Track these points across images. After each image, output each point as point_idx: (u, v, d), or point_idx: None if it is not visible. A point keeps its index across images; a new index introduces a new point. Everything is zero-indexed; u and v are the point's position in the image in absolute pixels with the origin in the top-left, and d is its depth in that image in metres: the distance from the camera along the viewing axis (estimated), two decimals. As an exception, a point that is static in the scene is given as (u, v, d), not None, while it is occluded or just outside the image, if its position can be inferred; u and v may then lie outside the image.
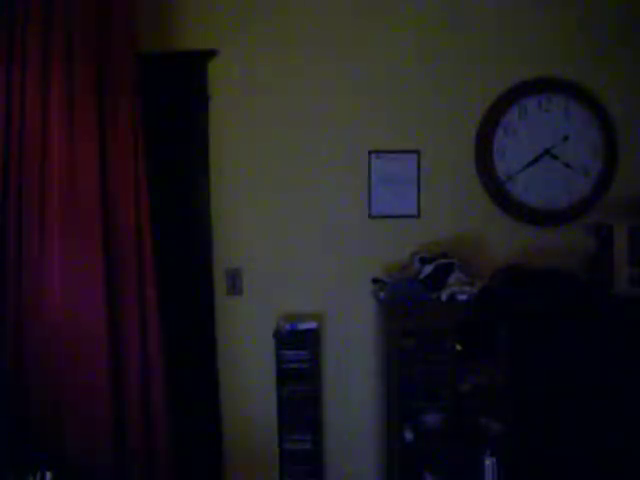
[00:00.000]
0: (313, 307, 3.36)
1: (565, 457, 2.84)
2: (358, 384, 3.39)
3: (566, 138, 3.33)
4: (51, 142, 2.63)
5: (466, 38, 3.31)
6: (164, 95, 3.22)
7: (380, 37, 3.31)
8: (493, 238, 3.35)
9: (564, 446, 2.85)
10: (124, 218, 2.72)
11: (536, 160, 3.34)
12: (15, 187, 2.63)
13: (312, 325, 3.19)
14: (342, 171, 3.35)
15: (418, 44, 3.32)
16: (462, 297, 2.97)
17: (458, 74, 3.32)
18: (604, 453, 2.82)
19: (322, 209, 3.35)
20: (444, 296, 2.98)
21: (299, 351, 3.15)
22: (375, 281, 3.22)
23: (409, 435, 3.04)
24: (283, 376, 3.15)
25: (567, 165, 3.34)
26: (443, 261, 3.08)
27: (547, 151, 3.33)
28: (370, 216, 3.36)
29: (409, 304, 2.98)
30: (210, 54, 3.27)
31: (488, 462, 2.86)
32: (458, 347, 2.99)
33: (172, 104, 3.26)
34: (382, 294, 3.08)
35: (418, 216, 3.36)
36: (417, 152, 3.34)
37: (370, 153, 3.34)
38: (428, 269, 3.07)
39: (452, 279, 3.03)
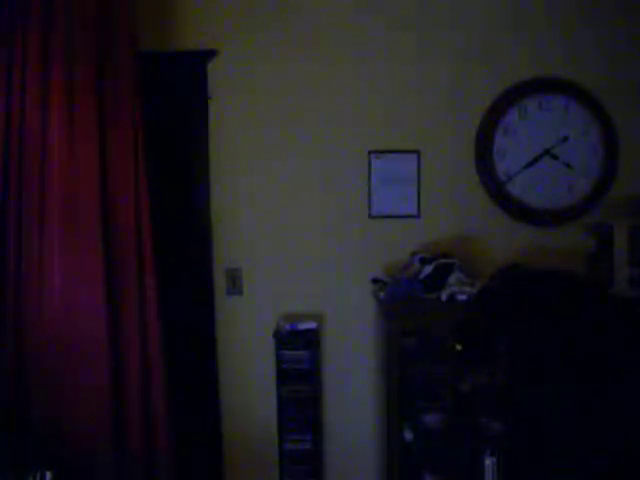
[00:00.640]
0: (313, 307, 3.37)
1: (565, 457, 2.84)
2: (358, 384, 3.39)
3: (566, 138, 3.33)
4: (51, 142, 2.62)
5: (466, 38, 3.31)
6: (164, 95, 3.23)
7: (380, 37, 3.31)
8: (493, 238, 3.35)
9: (564, 446, 2.85)
10: (124, 218, 2.72)
11: (536, 160, 3.34)
12: (15, 187, 2.63)
13: (312, 325, 3.19)
14: (342, 171, 3.35)
15: (418, 44, 3.32)
16: (462, 297, 2.97)
17: (458, 74, 3.32)
18: (604, 453, 2.82)
19: (322, 209, 3.36)
20: (444, 296, 2.98)
21: (299, 351, 3.15)
22: (375, 281, 3.22)
23: (409, 435, 3.04)
24: (283, 376, 3.15)
25: (567, 165, 3.34)
26: (443, 261, 3.07)
27: (547, 151, 3.34)
28: (370, 216, 3.36)
29: (409, 304, 2.98)
30: (210, 54, 3.27)
31: (488, 462, 2.86)
32: (458, 347, 2.99)
33: (172, 104, 3.26)
34: (382, 294, 3.08)
35: (418, 216, 3.36)
36: (417, 152, 3.34)
37: (370, 153, 3.34)
38: (428, 269, 3.07)
39: (452, 279, 3.03)
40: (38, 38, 2.61)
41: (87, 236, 2.64)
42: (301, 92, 3.32)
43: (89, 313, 2.63)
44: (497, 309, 2.95)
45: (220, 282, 3.36)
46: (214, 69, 3.30)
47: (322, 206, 3.36)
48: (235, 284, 3.37)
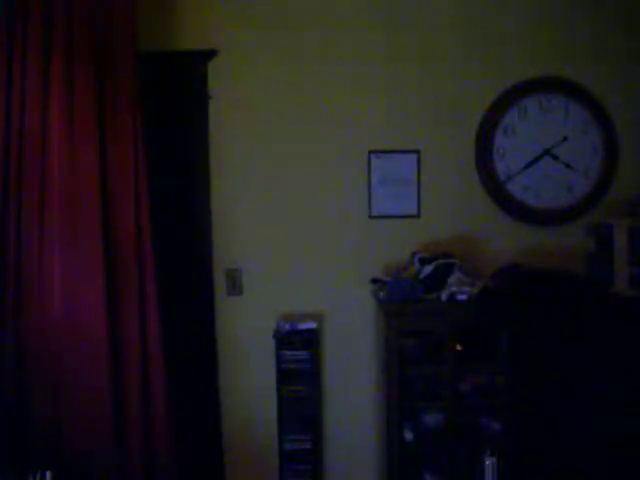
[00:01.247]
0: (313, 307, 3.36)
1: (565, 457, 2.84)
2: (358, 384, 3.39)
3: (566, 138, 3.33)
4: (51, 142, 2.62)
5: (466, 38, 3.31)
6: (164, 95, 3.23)
7: (380, 37, 3.31)
8: (493, 238, 3.35)
9: (564, 446, 2.85)
10: (124, 218, 2.72)
11: (536, 160, 3.34)
12: (15, 187, 2.63)
13: (312, 325, 3.19)
14: (342, 171, 3.35)
15: (418, 44, 3.32)
16: (462, 297, 2.97)
17: (458, 74, 3.32)
18: (604, 453, 2.82)
19: (322, 209, 3.35)
20: (444, 296, 2.98)
21: (299, 351, 3.15)
22: (375, 281, 3.22)
23: (409, 435, 3.04)
24: (283, 376, 3.15)
25: (567, 165, 3.34)
26: (443, 261, 3.07)
27: (547, 151, 3.34)
28: (370, 216, 3.36)
29: (409, 304, 2.98)
30: (210, 54, 3.27)
31: (488, 462, 2.85)
32: (458, 347, 2.99)
33: (172, 104, 3.26)
34: (382, 294, 3.08)
35: (418, 216, 3.36)
36: (417, 152, 3.34)
37: (370, 153, 3.34)
38: (428, 269, 3.06)
39: (452, 279, 3.03)
40: (38, 38, 2.61)
41: (87, 236, 2.64)
42: (301, 92, 3.32)
43: (89, 313, 2.63)
44: (497, 309, 2.95)
45: (220, 282, 3.36)
46: (214, 69, 3.30)
47: (322, 206, 3.36)
48: (235, 284, 3.37)
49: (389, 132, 3.34)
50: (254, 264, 3.36)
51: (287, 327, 3.17)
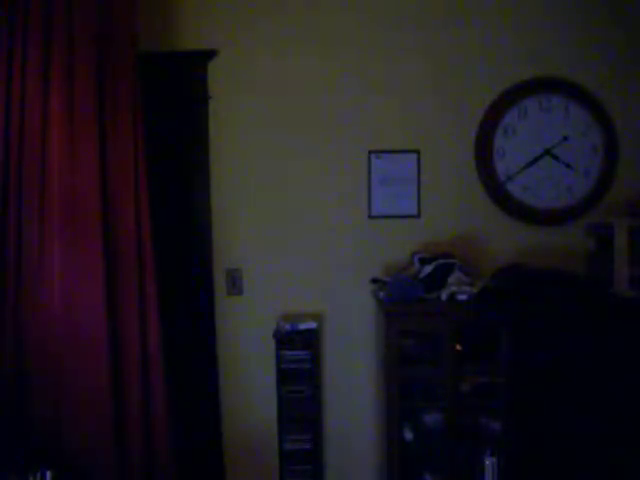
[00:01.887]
0: (313, 307, 3.36)
1: (565, 457, 2.84)
2: (358, 384, 3.39)
3: (566, 138, 3.33)
4: (51, 142, 2.62)
5: (466, 38, 3.31)
6: (164, 95, 3.23)
7: (380, 37, 3.31)
8: (493, 238, 3.35)
9: (564, 446, 2.85)
10: (124, 218, 2.72)
11: (536, 160, 3.34)
12: (15, 187, 2.63)
13: (312, 325, 3.19)
14: (342, 171, 3.35)
15: (418, 44, 3.32)
16: (462, 297, 2.97)
17: (458, 74, 3.32)
18: (604, 453, 2.82)
19: (322, 209, 3.36)
20: (444, 296, 2.98)
21: (299, 351, 3.15)
22: (375, 281, 3.22)
23: (409, 435, 3.04)
24: (283, 376, 3.14)
25: (567, 165, 3.34)
26: (443, 261, 3.07)
27: (547, 151, 3.34)
28: (370, 216, 3.36)
29: (409, 304, 2.98)
30: (210, 54, 3.27)
31: (488, 462, 2.85)
32: (458, 347, 2.99)
33: (172, 104, 3.26)
34: (382, 294, 3.08)
35: (418, 216, 3.36)
36: (417, 152, 3.34)
37: (370, 153, 3.34)
38: (428, 269, 3.06)
39: (452, 279, 3.03)
40: (38, 38, 2.61)
41: (87, 236, 2.64)
42: (301, 92, 3.32)
43: (89, 313, 2.63)
44: (497, 309, 2.95)
45: (220, 282, 3.36)
46: (214, 69, 3.30)
47: (322, 206, 3.36)
48: (235, 284, 3.37)
49: (389, 132, 3.35)
50: (254, 264, 3.36)
51: (287, 327, 3.17)
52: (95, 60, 2.67)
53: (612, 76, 3.33)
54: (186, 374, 3.21)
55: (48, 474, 2.44)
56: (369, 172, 3.34)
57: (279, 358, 3.15)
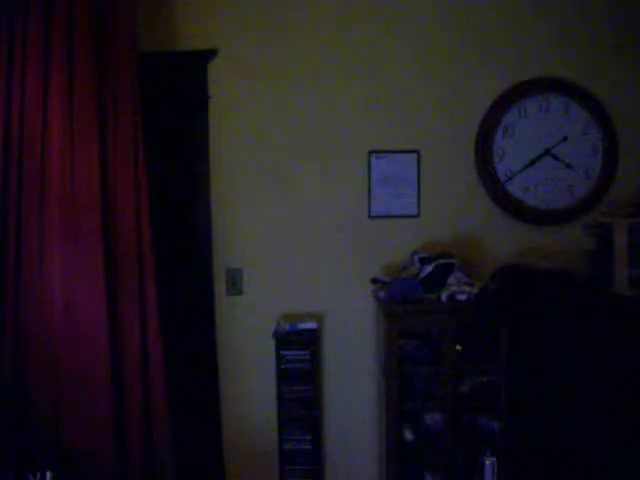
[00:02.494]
0: (313, 307, 3.36)
1: (565, 457, 2.84)
2: (358, 384, 3.39)
3: (566, 138, 3.33)
4: (51, 142, 2.62)
5: (466, 38, 3.31)
6: (164, 95, 3.23)
7: (380, 37, 3.31)
8: (493, 238, 3.35)
9: (564, 446, 2.85)
10: (124, 218, 2.72)
11: (536, 160, 3.34)
12: (15, 187, 2.63)
13: (312, 325, 3.19)
14: (342, 171, 3.35)
15: (418, 44, 3.32)
16: (462, 297, 2.97)
17: (458, 74, 3.32)
18: (604, 453, 2.82)
19: (322, 209, 3.35)
20: (444, 296, 2.98)
21: (299, 351, 3.15)
22: (375, 281, 3.22)
23: (409, 435, 3.04)
24: (283, 376, 3.14)
25: (567, 165, 3.34)
26: (443, 261, 3.07)
27: (547, 151, 3.34)
28: (370, 216, 3.36)
29: (409, 304, 2.98)
30: (210, 54, 3.27)
31: (488, 462, 2.86)
32: (458, 347, 2.99)
33: (172, 104, 3.26)
34: (382, 294, 3.08)
35: (418, 216, 3.36)
36: (417, 152, 3.34)
37: (370, 153, 3.34)
38: (428, 269, 3.06)
39: (452, 279, 3.03)
40: (38, 38, 2.61)
41: (87, 236, 2.64)
42: (301, 91, 3.32)
43: (89, 312, 2.63)
44: (497, 309, 2.95)
45: (220, 282, 3.36)
46: (214, 69, 3.30)
47: (322, 206, 3.35)
48: (235, 284, 3.37)
49: (389, 132, 3.34)
50: (254, 264, 3.36)
51: (287, 327, 3.17)
52: (95, 60, 2.67)
53: (612, 76, 3.33)
54: (186, 374, 3.21)
55: (48, 474, 2.44)
56: (369, 172, 3.34)
57: (279, 358, 3.15)
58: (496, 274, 3.16)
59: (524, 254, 3.30)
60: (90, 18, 2.65)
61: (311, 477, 3.18)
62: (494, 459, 2.86)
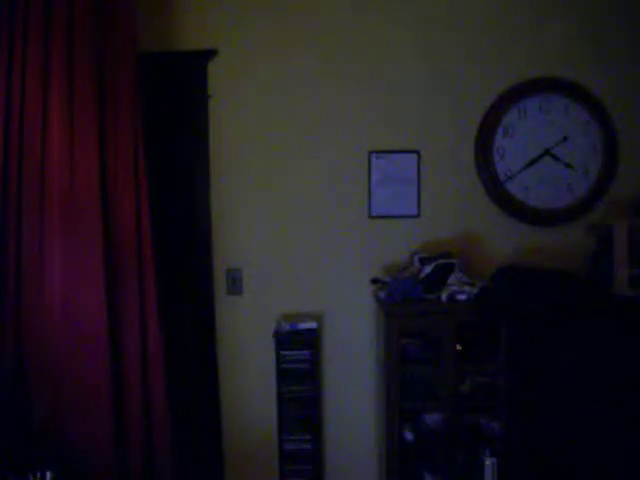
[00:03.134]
0: (313, 307, 3.36)
1: (565, 457, 2.84)
2: (358, 384, 3.39)
3: (566, 138, 3.33)
4: (51, 142, 2.62)
5: (466, 38, 3.31)
6: (164, 95, 3.23)
7: (380, 37, 3.31)
8: (493, 238, 3.35)
9: (564, 446, 2.85)
10: (124, 218, 2.72)
11: (536, 160, 3.34)
12: (15, 187, 2.63)
13: (312, 325, 3.19)
14: (342, 171, 3.35)
15: (418, 44, 3.32)
16: (462, 297, 2.97)
17: (458, 74, 3.32)
18: (604, 453, 2.82)
19: (322, 209, 3.35)
20: (444, 296, 2.98)
21: (299, 351, 3.15)
22: (375, 281, 3.22)
23: (409, 435, 3.04)
24: (283, 376, 3.14)
25: (567, 165, 3.34)
26: (443, 261, 3.08)
27: (547, 151, 3.34)
28: (370, 216, 3.36)
29: (409, 304, 2.98)
30: (210, 54, 3.27)
31: (488, 462, 2.86)
32: (458, 347, 2.99)
33: (172, 104, 3.26)
34: (382, 294, 3.08)
35: (418, 216, 3.36)
36: (417, 152, 3.34)
37: (370, 153, 3.34)
38: (428, 269, 3.07)
39: (452, 279, 3.03)
40: (38, 38, 2.61)
41: (87, 236, 2.64)
42: (301, 92, 3.32)
43: (89, 312, 2.64)
44: (497, 309, 2.95)
45: (220, 282, 3.36)
46: (214, 69, 3.30)
47: (322, 206, 3.35)
48: (235, 284, 3.37)
49: (389, 132, 3.34)
50: (254, 264, 3.36)
51: (287, 327, 3.17)
52: (95, 60, 2.67)
53: (612, 76, 3.33)
54: (186, 374, 3.21)
55: (48, 474, 2.44)
56: (369, 172, 3.34)
57: (279, 358, 3.15)
58: (496, 274, 3.16)
59: (524, 254, 3.30)
60: (90, 18, 2.66)
61: (311, 477, 3.18)
62: (494, 459, 2.86)
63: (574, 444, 2.84)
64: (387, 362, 3.01)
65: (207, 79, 3.29)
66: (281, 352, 3.15)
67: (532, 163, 3.33)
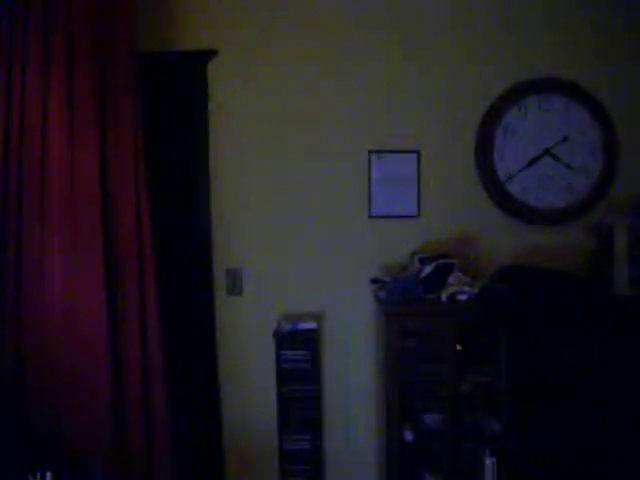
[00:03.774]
0: (313, 307, 3.36)
1: (565, 457, 2.84)
2: (358, 384, 3.39)
3: (566, 138, 3.33)
4: (51, 142, 2.63)
5: (466, 38, 3.31)
6: (164, 95, 3.23)
7: (380, 37, 3.31)
8: (493, 238, 3.35)
9: (564, 446, 2.85)
10: (124, 218, 2.72)
11: (536, 160, 3.34)
12: (15, 187, 2.63)
13: (312, 325, 3.19)
14: (342, 171, 3.35)
15: (418, 44, 3.32)
16: (462, 297, 2.97)
17: (458, 74, 3.32)
18: (604, 453, 2.82)
19: (322, 209, 3.35)
20: (444, 296, 2.98)
21: (299, 351, 3.15)
22: (375, 281, 3.22)
23: (409, 435, 3.04)
24: (283, 376, 3.14)
25: (567, 165, 3.34)
26: (443, 261, 3.07)
27: (547, 151, 3.33)
28: (370, 216, 3.36)
29: (409, 304, 2.98)
30: (210, 54, 3.27)
31: (488, 462, 2.85)
32: (458, 347, 2.99)
33: (172, 104, 3.26)
34: (382, 294, 3.08)
35: (418, 216, 3.36)
36: (417, 152, 3.34)
37: (370, 153, 3.34)
38: (428, 269, 3.06)
39: (452, 279, 3.03)
40: (38, 38, 2.62)
41: (87, 236, 2.64)
42: (301, 92, 3.32)
43: (89, 313, 2.64)
44: (497, 309, 2.95)
45: (220, 282, 3.36)
46: (214, 69, 3.30)
47: (322, 206, 3.35)
48: (235, 284, 3.37)
49: (389, 132, 3.34)
50: (254, 264, 3.36)
51: (287, 327, 3.16)
52: (95, 60, 2.67)
53: (612, 76, 3.33)
54: (186, 374, 3.21)
55: (48, 474, 2.44)
56: (369, 172, 3.34)
57: (279, 358, 3.15)
58: (496, 274, 3.16)
59: (524, 254, 3.30)
60: (90, 17, 2.66)
61: (311, 477, 3.18)
62: (494, 459, 2.86)
63: (574, 444, 2.84)
64: (387, 362, 3.00)
65: (207, 79, 3.29)
66: (281, 352, 3.15)
67: (532, 163, 3.33)
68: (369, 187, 3.35)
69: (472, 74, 3.32)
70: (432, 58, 3.32)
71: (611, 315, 2.89)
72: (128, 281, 2.72)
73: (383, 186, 3.35)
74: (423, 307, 2.99)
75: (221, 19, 3.28)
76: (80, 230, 2.64)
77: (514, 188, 3.33)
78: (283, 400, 3.16)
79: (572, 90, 3.31)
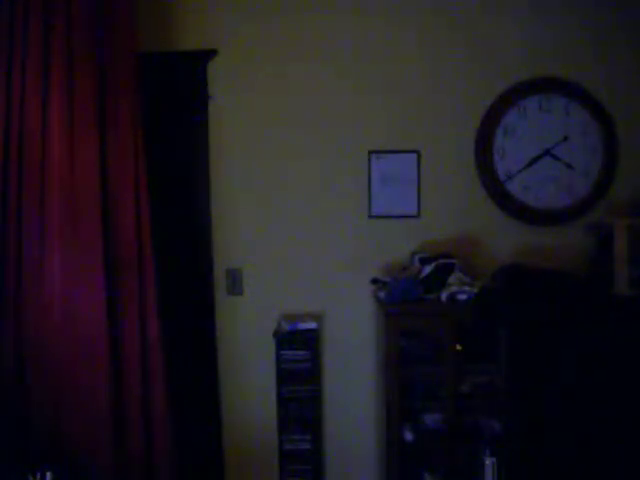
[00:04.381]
0: (313, 307, 3.36)
1: (565, 457, 2.84)
2: (358, 384, 3.39)
3: (566, 138, 3.33)
4: (51, 142, 2.62)
5: (466, 38, 3.31)
6: (164, 95, 3.23)
7: (380, 37, 3.31)
8: (493, 238, 3.35)
9: (564, 446, 2.85)
10: (124, 218, 2.72)
11: (536, 160, 3.34)
12: (15, 188, 2.63)
13: (312, 325, 3.19)
14: (342, 171, 3.35)
15: (418, 44, 3.32)
16: (462, 297, 2.97)
17: (458, 74, 3.32)
18: (604, 453, 2.82)
19: (322, 209, 3.35)
20: (444, 296, 2.98)
21: (299, 351, 3.15)
22: (375, 281, 3.22)
23: (409, 435, 3.04)
24: (283, 376, 3.14)
25: (567, 165, 3.34)
26: (443, 261, 3.07)
27: (547, 151, 3.34)
28: (370, 216, 3.36)
29: (409, 304, 2.98)
30: (210, 54, 3.27)
31: (488, 462, 2.85)
32: (458, 347, 2.99)
33: (172, 104, 3.27)
34: (382, 294, 3.08)
35: (418, 216, 3.36)
36: (417, 152, 3.34)
37: (370, 153, 3.34)
38: (428, 269, 3.06)
39: (452, 279, 3.03)
40: (38, 38, 2.61)
41: (87, 236, 2.64)
42: (301, 92, 3.32)
43: (89, 313, 2.63)
44: (497, 309, 2.95)
45: (220, 282, 3.36)
46: (214, 69, 3.30)
47: (322, 206, 3.36)
48: (235, 284, 3.37)
49: (389, 132, 3.34)
50: (254, 264, 3.36)
51: (287, 327, 3.17)
52: (95, 60, 2.67)
53: (612, 76, 3.33)
54: (186, 374, 3.21)
55: (48, 474, 2.44)
56: (369, 172, 3.34)
57: (279, 358, 3.15)
58: (496, 274, 3.15)
59: (524, 254, 3.30)
60: (90, 17, 2.65)
61: (311, 477, 3.18)
62: (494, 459, 2.86)
63: (574, 444, 2.84)
64: (387, 362, 3.01)
65: (207, 79, 3.29)
66: (281, 352, 3.15)
67: (532, 163, 3.33)
68: (369, 187, 3.35)
69: (472, 74, 3.32)
70: (432, 58, 3.32)
71: (611, 315, 2.89)
72: (128, 281, 2.72)
73: (383, 186, 3.35)
74: (423, 307, 2.99)
75: (221, 19, 3.29)
76: (80, 230, 2.64)
77: (514, 188, 3.33)
78: (283, 400, 3.16)
79: (572, 90, 3.31)
